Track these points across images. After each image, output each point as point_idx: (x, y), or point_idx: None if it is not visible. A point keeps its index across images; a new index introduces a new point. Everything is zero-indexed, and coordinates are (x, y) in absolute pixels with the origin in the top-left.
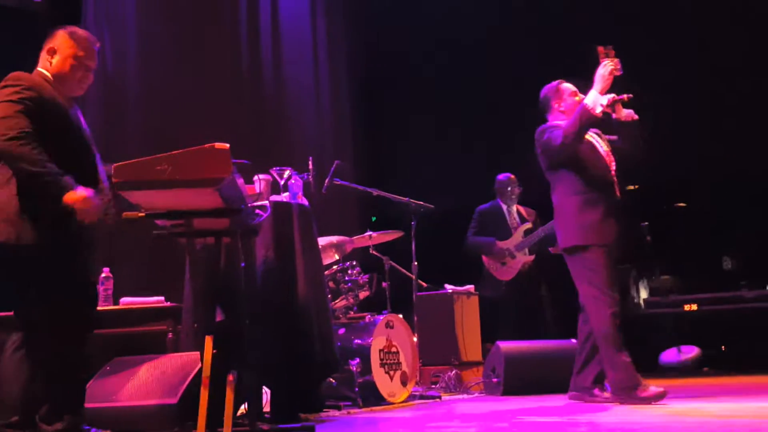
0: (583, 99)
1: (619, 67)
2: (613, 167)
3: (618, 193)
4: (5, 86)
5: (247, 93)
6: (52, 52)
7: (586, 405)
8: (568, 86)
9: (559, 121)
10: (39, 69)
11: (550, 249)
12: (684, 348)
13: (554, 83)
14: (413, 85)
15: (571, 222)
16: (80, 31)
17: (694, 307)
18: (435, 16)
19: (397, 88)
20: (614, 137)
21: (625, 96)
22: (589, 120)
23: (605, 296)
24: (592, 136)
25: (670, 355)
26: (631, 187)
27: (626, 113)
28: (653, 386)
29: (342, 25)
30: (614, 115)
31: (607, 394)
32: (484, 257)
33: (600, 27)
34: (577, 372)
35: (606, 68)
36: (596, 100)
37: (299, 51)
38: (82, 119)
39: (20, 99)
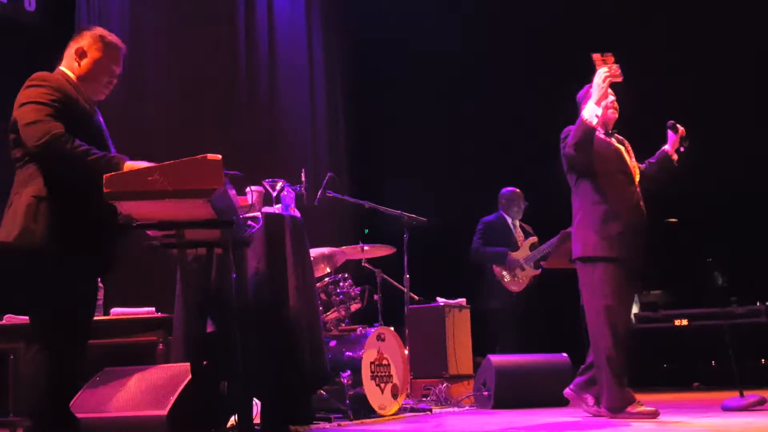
0: (583, 111)
1: (618, 73)
2: (638, 180)
3: (643, 208)
4: (32, 86)
5: (241, 103)
6: (81, 54)
7: (575, 422)
8: None
9: None
10: (63, 69)
11: (542, 263)
12: (748, 396)
13: (588, 86)
14: (408, 99)
15: (590, 232)
16: (110, 36)
17: (685, 322)
18: (431, 30)
19: (391, 101)
20: (644, 165)
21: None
22: (586, 132)
23: (608, 309)
24: (619, 147)
25: (733, 402)
26: (672, 220)
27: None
28: (646, 405)
29: (337, 36)
30: (668, 146)
31: (600, 409)
32: (495, 268)
33: (598, 31)
34: (585, 380)
35: (600, 76)
36: (593, 111)
37: (294, 62)
38: (102, 123)
39: (50, 101)
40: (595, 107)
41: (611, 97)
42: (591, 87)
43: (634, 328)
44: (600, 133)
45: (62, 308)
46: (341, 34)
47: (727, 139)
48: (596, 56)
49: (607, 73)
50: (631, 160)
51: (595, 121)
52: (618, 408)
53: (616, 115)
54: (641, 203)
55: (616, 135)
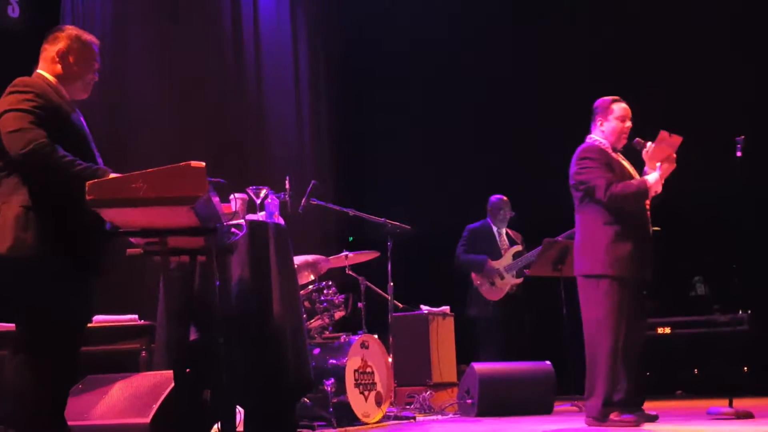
0: (645, 176)
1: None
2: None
3: (650, 225)
4: (15, 92)
5: (226, 109)
6: (63, 56)
7: (559, 429)
8: (620, 107)
9: (597, 137)
10: (41, 72)
11: (525, 271)
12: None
13: (608, 99)
14: (394, 104)
15: (600, 252)
16: (85, 34)
17: (668, 330)
18: (419, 34)
19: (377, 106)
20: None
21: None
22: (642, 198)
23: (610, 321)
24: (628, 167)
25: (718, 408)
26: (656, 228)
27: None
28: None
29: (323, 41)
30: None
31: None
32: (473, 275)
33: (597, 31)
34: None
35: (672, 162)
36: (658, 183)
37: (280, 67)
38: (84, 124)
39: (33, 108)
40: (659, 183)
41: (629, 123)
42: (611, 103)
43: (641, 339)
44: (611, 152)
45: (55, 317)
46: (327, 35)
47: (710, 148)
48: (664, 134)
49: (673, 156)
50: (637, 176)
51: (652, 194)
52: (601, 415)
53: (626, 140)
54: (650, 226)
55: (619, 153)
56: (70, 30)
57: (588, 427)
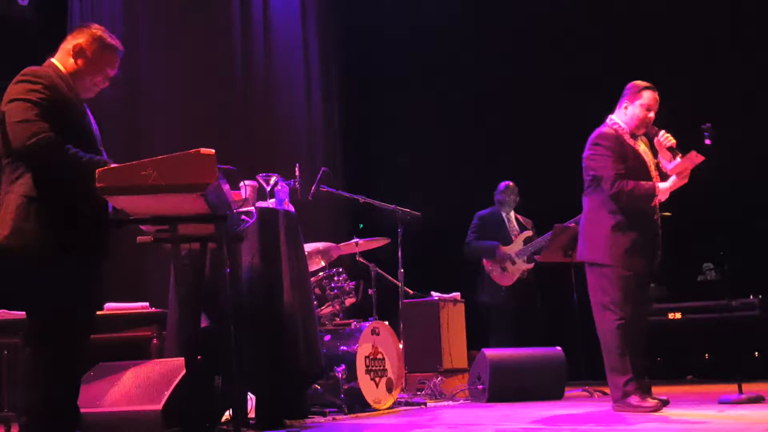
0: (669, 168)
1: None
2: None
3: (657, 216)
4: (24, 81)
5: (236, 97)
6: (78, 52)
7: (569, 414)
8: (649, 95)
9: (618, 119)
10: (55, 62)
11: (536, 257)
12: (745, 391)
13: (639, 85)
14: (404, 92)
15: (600, 239)
16: (110, 38)
17: (678, 315)
18: (429, 24)
19: (387, 95)
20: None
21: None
22: (648, 203)
23: (614, 308)
24: (640, 146)
25: (730, 396)
26: (666, 214)
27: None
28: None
29: (333, 30)
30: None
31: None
32: (485, 261)
33: (598, 25)
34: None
35: (686, 178)
36: (666, 192)
37: (290, 55)
38: (92, 119)
39: (39, 100)
40: (667, 192)
41: (652, 114)
42: (641, 89)
43: (645, 324)
44: (627, 138)
45: (58, 307)
46: (337, 23)
47: (721, 133)
48: (693, 153)
49: (688, 172)
50: (653, 162)
51: (656, 202)
52: (620, 399)
53: (645, 129)
54: (657, 215)
55: (641, 138)
56: (96, 29)
57: (602, 412)
